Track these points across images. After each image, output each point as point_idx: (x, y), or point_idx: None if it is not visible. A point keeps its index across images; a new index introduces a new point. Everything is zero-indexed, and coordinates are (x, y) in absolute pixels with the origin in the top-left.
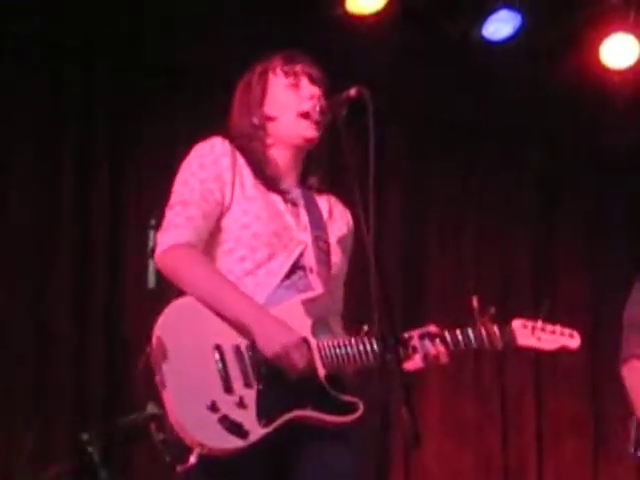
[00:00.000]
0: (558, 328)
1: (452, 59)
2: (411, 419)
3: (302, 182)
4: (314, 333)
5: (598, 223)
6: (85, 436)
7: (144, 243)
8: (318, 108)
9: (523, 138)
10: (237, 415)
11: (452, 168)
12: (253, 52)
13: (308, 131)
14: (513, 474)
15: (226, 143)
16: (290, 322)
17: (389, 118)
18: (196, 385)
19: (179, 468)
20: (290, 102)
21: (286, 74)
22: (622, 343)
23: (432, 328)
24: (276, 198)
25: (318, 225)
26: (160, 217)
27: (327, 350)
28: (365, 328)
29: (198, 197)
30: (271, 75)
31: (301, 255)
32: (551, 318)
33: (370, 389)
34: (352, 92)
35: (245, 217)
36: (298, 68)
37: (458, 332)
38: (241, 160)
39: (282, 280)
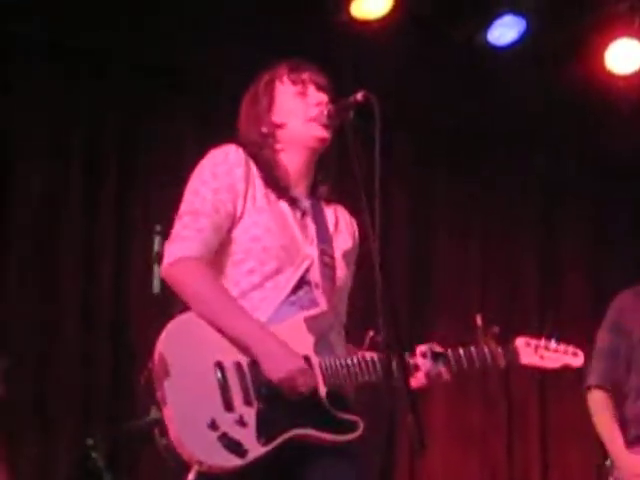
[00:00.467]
0: (562, 346)
1: (457, 64)
2: (417, 426)
3: (312, 192)
4: (316, 351)
5: (603, 228)
6: (90, 441)
7: (150, 248)
8: (326, 112)
9: (528, 143)
10: (237, 433)
11: (458, 173)
12: (257, 57)
13: (319, 131)
14: None
15: (240, 151)
16: (293, 340)
17: (395, 124)
18: (196, 402)
19: None
20: (298, 108)
21: (293, 82)
22: (586, 369)
23: (435, 346)
24: (285, 208)
25: (324, 238)
26: (166, 223)
27: (329, 369)
28: (370, 334)
29: (209, 208)
30: (278, 83)
31: (307, 270)
32: (556, 323)
33: (376, 396)
34: (359, 96)
35: (255, 229)
36: (305, 76)
37: (461, 351)
38: (254, 169)
39: (288, 295)
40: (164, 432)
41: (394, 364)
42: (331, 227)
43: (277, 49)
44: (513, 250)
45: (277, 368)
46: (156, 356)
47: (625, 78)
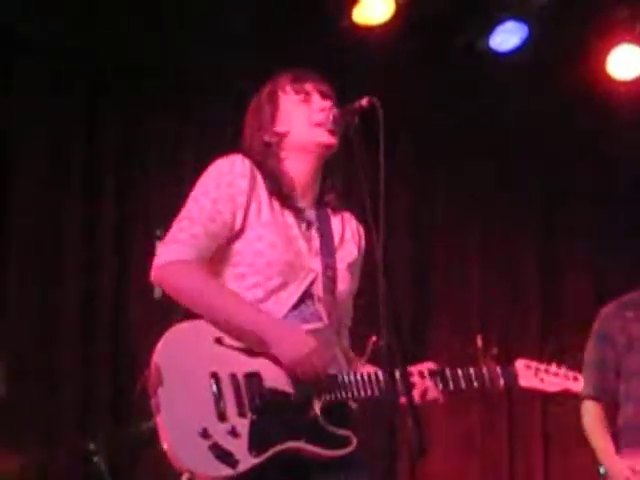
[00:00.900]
0: (562, 370)
1: (459, 69)
2: (417, 430)
3: (318, 201)
4: None
5: (602, 233)
6: (91, 446)
7: (150, 253)
8: (331, 117)
9: (529, 147)
10: (228, 443)
11: (458, 173)
12: (258, 61)
13: (324, 137)
14: None
15: (247, 162)
16: None
17: (396, 126)
18: (190, 411)
19: None
20: (302, 115)
21: (296, 92)
22: None
23: (432, 366)
24: (291, 220)
25: (329, 250)
26: (166, 227)
27: (325, 383)
28: (373, 339)
29: (206, 217)
30: (281, 93)
31: (311, 284)
32: (557, 326)
33: (377, 403)
34: (364, 102)
35: (259, 243)
36: (308, 86)
37: (459, 371)
38: (260, 180)
39: (290, 309)
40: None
41: (397, 374)
42: (337, 238)
43: (278, 54)
44: (513, 250)
45: (291, 350)
46: (152, 365)
47: (626, 84)
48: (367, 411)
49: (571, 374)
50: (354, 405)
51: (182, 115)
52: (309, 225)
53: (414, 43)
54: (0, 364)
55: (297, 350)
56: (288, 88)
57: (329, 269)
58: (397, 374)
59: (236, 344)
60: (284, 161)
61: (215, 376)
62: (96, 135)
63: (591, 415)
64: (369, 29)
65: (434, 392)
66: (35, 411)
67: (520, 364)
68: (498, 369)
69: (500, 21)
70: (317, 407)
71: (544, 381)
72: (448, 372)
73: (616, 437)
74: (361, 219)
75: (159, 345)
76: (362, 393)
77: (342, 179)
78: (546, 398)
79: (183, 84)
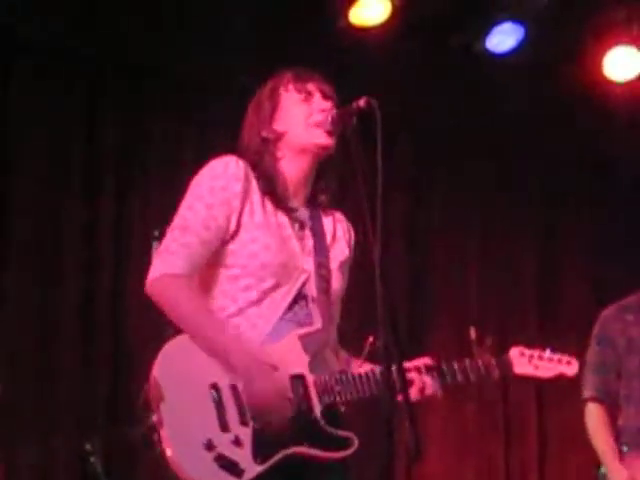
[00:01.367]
0: (556, 356)
1: (456, 70)
2: (413, 431)
3: (311, 200)
4: (312, 369)
5: (602, 233)
6: (88, 446)
7: (148, 253)
8: (330, 118)
9: (526, 149)
10: (233, 453)
11: (458, 173)
12: (257, 62)
13: (322, 138)
14: None
15: (240, 164)
16: (289, 358)
17: (395, 125)
18: (193, 424)
19: None
20: (301, 114)
21: (298, 91)
22: (581, 382)
23: (429, 361)
24: (284, 220)
25: (321, 250)
26: (164, 227)
27: (324, 386)
28: (370, 340)
29: (200, 224)
30: (282, 91)
31: (304, 284)
32: (555, 327)
33: (373, 403)
34: (361, 103)
35: (253, 245)
36: (310, 85)
37: (455, 364)
38: (254, 182)
39: (285, 312)
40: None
41: (393, 373)
42: (329, 237)
43: (276, 54)
44: (512, 250)
45: (255, 390)
46: (151, 380)
47: (623, 85)
48: (363, 409)
49: (565, 358)
50: (342, 408)
51: (182, 115)
52: (302, 225)
53: (411, 44)
54: (9, 400)
55: (261, 391)
56: (290, 86)
57: (323, 268)
58: (394, 373)
59: None
60: (280, 160)
61: (215, 387)
62: (96, 135)
63: (594, 417)
64: (366, 30)
65: (432, 387)
66: (32, 410)
67: (514, 352)
68: (493, 360)
69: (497, 22)
70: (317, 410)
71: (538, 367)
72: (444, 366)
73: (616, 438)
74: (358, 219)
75: (157, 359)
76: (360, 394)
77: (339, 180)
78: (542, 399)
79: (183, 84)
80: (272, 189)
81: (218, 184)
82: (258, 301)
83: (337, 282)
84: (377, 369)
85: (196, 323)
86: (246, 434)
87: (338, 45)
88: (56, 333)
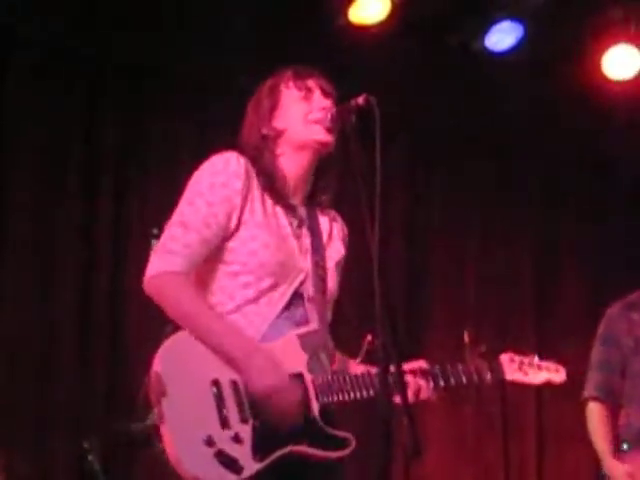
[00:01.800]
0: (544, 363)
1: (455, 69)
2: (412, 431)
3: (309, 199)
4: (310, 368)
5: (602, 234)
6: (86, 444)
7: (147, 253)
8: (329, 116)
9: (525, 148)
10: (233, 450)
11: (458, 173)
12: (256, 61)
13: (321, 134)
14: None
15: (241, 161)
16: (287, 358)
17: (394, 125)
18: (193, 420)
19: None
20: (301, 111)
21: (298, 88)
22: (584, 381)
23: (424, 364)
24: (283, 219)
25: (318, 248)
26: (163, 226)
27: (322, 386)
28: (368, 339)
29: (200, 222)
30: (283, 88)
31: (301, 284)
32: (554, 327)
33: (372, 403)
34: (360, 100)
35: (253, 243)
36: (310, 82)
37: (449, 369)
38: (254, 179)
39: (282, 311)
40: (161, 438)
41: (391, 371)
42: (325, 235)
43: (275, 53)
44: (512, 251)
45: (260, 384)
46: (152, 374)
47: (622, 84)
48: (361, 408)
49: (553, 366)
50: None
51: (181, 115)
52: (300, 223)
53: (410, 42)
54: (7, 399)
55: (265, 385)
56: (291, 83)
57: (319, 268)
58: (392, 373)
59: None
60: (279, 157)
61: (216, 383)
62: (95, 135)
63: (595, 417)
64: (365, 28)
65: (427, 390)
66: (31, 409)
67: (505, 358)
68: (485, 365)
69: (496, 21)
70: (315, 409)
71: (528, 374)
72: (438, 370)
73: (617, 437)
74: (357, 218)
75: (159, 353)
76: (357, 394)
77: (338, 178)
78: (540, 398)
79: (183, 84)
80: (271, 186)
81: (218, 180)
82: (255, 299)
83: (332, 281)
84: (374, 370)
85: (198, 320)
86: (246, 431)
87: (337, 44)
88: (54, 333)
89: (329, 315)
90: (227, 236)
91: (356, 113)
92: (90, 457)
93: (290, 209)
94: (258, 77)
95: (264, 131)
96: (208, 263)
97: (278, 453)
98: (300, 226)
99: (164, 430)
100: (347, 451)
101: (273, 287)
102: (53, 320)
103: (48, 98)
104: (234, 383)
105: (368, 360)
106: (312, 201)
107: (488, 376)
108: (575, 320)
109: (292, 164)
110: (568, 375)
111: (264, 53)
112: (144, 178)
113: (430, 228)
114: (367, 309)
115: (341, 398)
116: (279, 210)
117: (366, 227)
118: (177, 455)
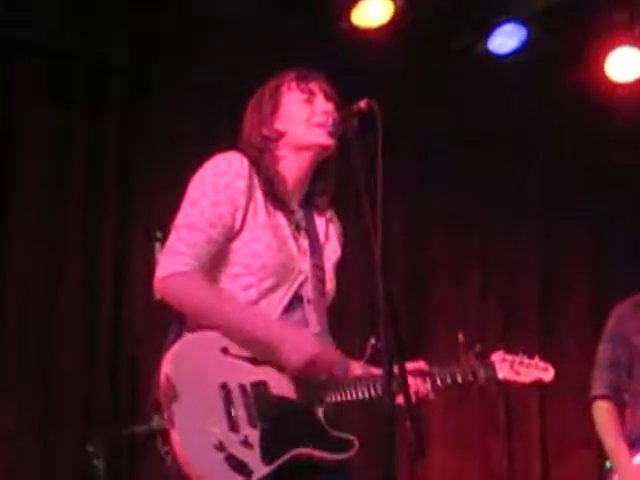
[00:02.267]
0: (533, 362)
1: (458, 71)
2: (416, 431)
3: (305, 201)
4: None
5: (602, 234)
6: (91, 448)
7: (151, 254)
8: (331, 120)
9: (528, 151)
10: (242, 454)
11: (458, 174)
12: (258, 62)
13: (322, 138)
14: None
15: (244, 161)
16: None
17: (395, 126)
18: (203, 424)
19: None
20: (303, 114)
21: (301, 90)
22: (591, 380)
23: (422, 364)
24: (283, 221)
25: (316, 250)
26: (167, 229)
27: (325, 387)
28: (372, 341)
29: (206, 222)
30: (285, 89)
31: (301, 286)
32: (556, 326)
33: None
34: (362, 104)
35: (256, 244)
36: (313, 85)
37: (446, 368)
38: (256, 180)
39: (281, 314)
40: (166, 440)
41: (395, 373)
42: (322, 236)
43: (277, 55)
44: (513, 250)
45: (301, 354)
46: (163, 378)
47: (625, 86)
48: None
49: (542, 365)
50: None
51: (183, 115)
52: (298, 226)
53: (412, 45)
54: (10, 401)
55: (303, 352)
56: (293, 85)
57: (318, 270)
58: (395, 374)
59: (241, 353)
60: (280, 159)
61: (225, 387)
62: (96, 135)
63: (604, 415)
64: (368, 31)
65: (424, 390)
66: (34, 411)
67: (497, 357)
68: (479, 364)
69: (499, 24)
70: (320, 412)
71: (519, 373)
72: (436, 369)
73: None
74: (359, 220)
75: (169, 356)
76: (361, 395)
77: (339, 181)
78: (544, 397)
79: (183, 84)
80: (271, 187)
81: (222, 181)
82: (256, 301)
83: (331, 283)
84: (377, 371)
85: (223, 309)
86: (254, 435)
87: (340, 46)
88: (57, 333)
89: (326, 316)
90: (231, 236)
91: (358, 117)
92: (95, 461)
93: (290, 213)
94: (260, 78)
95: (265, 132)
96: (209, 264)
97: (285, 456)
98: (298, 229)
99: (174, 435)
100: (351, 453)
101: (274, 289)
102: (57, 321)
103: (48, 98)
104: (242, 387)
105: (372, 362)
106: (309, 203)
107: (482, 376)
108: (578, 319)
109: (292, 166)
110: (571, 373)
111: (264, 53)
112: (145, 178)
113: (432, 228)
114: (369, 310)
115: (344, 399)
116: (279, 213)
117: (368, 229)
118: (188, 459)
